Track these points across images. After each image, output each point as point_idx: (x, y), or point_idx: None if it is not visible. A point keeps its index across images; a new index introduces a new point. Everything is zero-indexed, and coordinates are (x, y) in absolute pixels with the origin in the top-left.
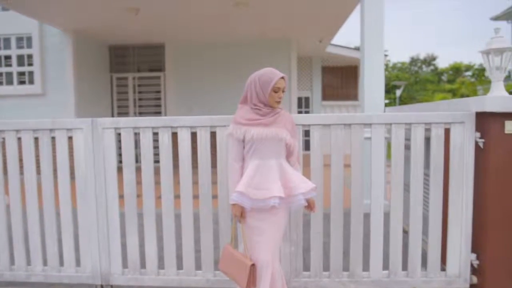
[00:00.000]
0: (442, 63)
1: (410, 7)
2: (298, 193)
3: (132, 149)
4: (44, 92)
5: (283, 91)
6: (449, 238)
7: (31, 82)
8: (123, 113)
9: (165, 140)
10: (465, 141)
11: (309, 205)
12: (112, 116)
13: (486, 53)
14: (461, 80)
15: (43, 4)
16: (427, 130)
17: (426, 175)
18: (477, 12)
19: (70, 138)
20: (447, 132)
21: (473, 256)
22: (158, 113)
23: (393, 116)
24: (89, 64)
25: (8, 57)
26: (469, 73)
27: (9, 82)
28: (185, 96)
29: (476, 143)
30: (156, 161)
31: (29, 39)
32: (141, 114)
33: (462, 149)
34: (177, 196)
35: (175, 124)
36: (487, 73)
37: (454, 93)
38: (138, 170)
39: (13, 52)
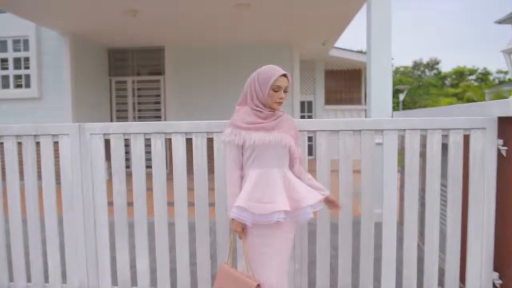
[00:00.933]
0: (445, 68)
1: (412, 11)
2: (306, 205)
3: (122, 156)
4: (40, 96)
5: (285, 91)
6: (469, 254)
7: (28, 85)
8: (122, 117)
9: (158, 147)
10: (486, 148)
11: (332, 204)
12: (111, 120)
13: (508, 52)
14: (465, 84)
15: (40, 6)
16: (444, 136)
17: (443, 185)
18: (479, 16)
19: (56, 143)
20: (466, 139)
21: (495, 274)
22: (158, 118)
23: (407, 122)
24: (88, 67)
25: (4, 60)
26: (472, 77)
27: (5, 85)
28: (185, 100)
29: (499, 151)
30: (149, 166)
31: (26, 41)
32: (140, 118)
33: (483, 158)
34: (170, 204)
35: (169, 130)
36: (492, 77)
37: (460, 98)
38: (130, 176)
39: (10, 55)
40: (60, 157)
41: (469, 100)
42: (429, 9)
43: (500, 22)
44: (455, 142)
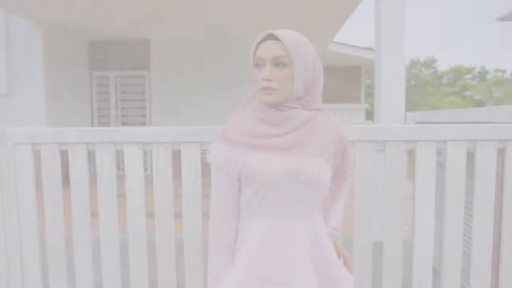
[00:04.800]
0: (442, 66)
1: (410, 8)
2: None
3: (58, 175)
4: (10, 92)
5: (279, 64)
6: None
7: None
8: (104, 116)
9: (105, 162)
10: None
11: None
12: (92, 120)
13: None
14: (461, 83)
15: None
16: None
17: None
18: (477, 15)
19: None
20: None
21: None
22: (143, 116)
23: (450, 130)
24: (64, 60)
25: None
26: (469, 76)
27: None
28: (171, 98)
29: None
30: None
31: None
32: (123, 116)
33: None
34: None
35: (119, 139)
36: (490, 75)
37: (462, 97)
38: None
39: None
40: None
41: (473, 100)
42: (426, 7)
43: (503, 19)
44: None
